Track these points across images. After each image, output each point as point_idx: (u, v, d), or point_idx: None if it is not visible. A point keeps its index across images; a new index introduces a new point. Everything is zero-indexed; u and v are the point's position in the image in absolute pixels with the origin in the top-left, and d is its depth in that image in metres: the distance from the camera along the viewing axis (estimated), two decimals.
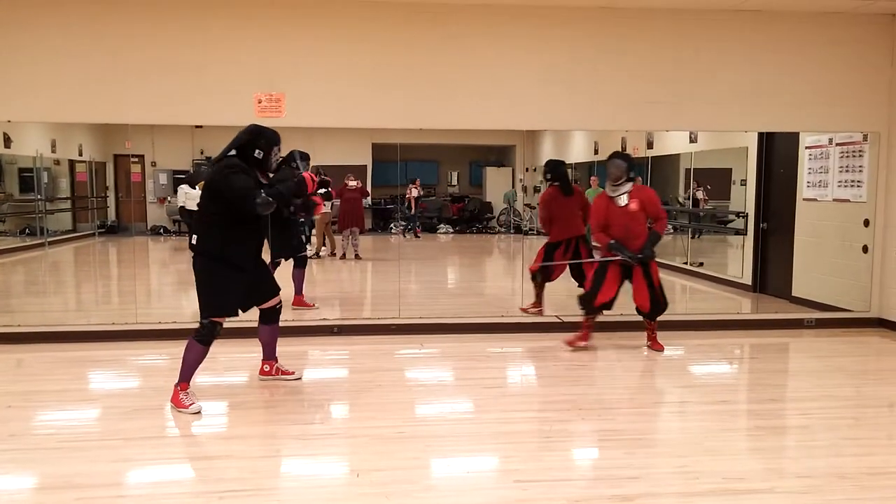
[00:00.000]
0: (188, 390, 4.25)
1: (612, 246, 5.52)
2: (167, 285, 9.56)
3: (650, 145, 8.49)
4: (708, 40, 6.39)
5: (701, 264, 9.29)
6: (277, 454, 3.74)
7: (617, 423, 4.17)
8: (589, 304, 5.64)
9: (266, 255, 4.71)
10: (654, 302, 5.56)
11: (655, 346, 5.73)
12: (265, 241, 4.60)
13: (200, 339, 4.21)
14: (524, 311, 6.90)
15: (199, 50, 5.99)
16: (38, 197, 10.65)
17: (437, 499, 3.15)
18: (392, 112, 6.20)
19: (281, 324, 4.72)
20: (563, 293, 7.34)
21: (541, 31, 6.25)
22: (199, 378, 4.98)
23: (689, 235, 9.60)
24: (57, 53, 5.88)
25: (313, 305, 7.15)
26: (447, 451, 3.72)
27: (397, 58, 6.18)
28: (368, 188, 11.51)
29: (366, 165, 11.63)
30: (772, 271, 7.98)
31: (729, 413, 4.46)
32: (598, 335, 6.18)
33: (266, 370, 4.79)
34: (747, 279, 8.29)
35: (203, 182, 4.50)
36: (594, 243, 6.08)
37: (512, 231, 13.73)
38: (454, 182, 14.72)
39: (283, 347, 4.87)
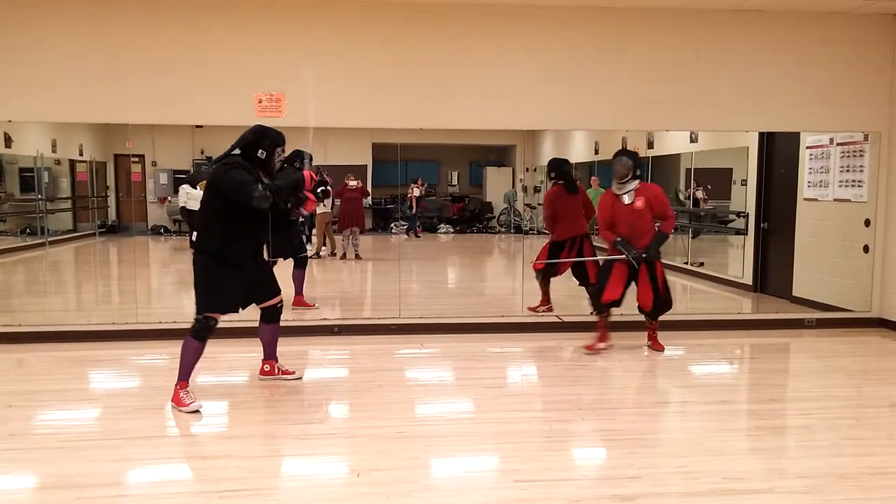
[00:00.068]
0: (188, 389, 4.26)
1: (617, 243, 5.49)
2: (168, 285, 9.56)
3: (650, 145, 8.48)
4: (708, 40, 6.39)
5: (701, 264, 9.28)
6: (277, 454, 3.74)
7: (617, 423, 4.17)
8: (596, 301, 5.60)
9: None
10: (658, 301, 5.53)
11: (656, 346, 5.73)
12: (266, 240, 4.63)
13: (194, 335, 4.25)
14: (533, 310, 6.91)
15: (199, 50, 5.99)
16: (39, 197, 10.65)
17: (437, 498, 3.15)
18: (392, 112, 6.20)
19: (281, 324, 4.72)
20: (564, 293, 7.35)
21: (541, 30, 6.25)
22: (200, 378, 4.99)
23: (690, 235, 9.60)
24: (57, 53, 5.88)
25: (313, 305, 7.15)
26: (447, 451, 3.72)
27: (397, 58, 6.18)
28: (369, 188, 11.50)
29: (366, 165, 11.63)
30: (772, 271, 7.98)
31: (729, 413, 4.46)
32: None
33: (266, 370, 4.79)
34: (748, 279, 8.29)
35: (204, 181, 4.53)
36: (597, 243, 6.08)
37: (512, 231, 13.72)
38: (454, 182, 14.71)
39: (284, 347, 4.87)
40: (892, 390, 4.95)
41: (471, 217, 14.51)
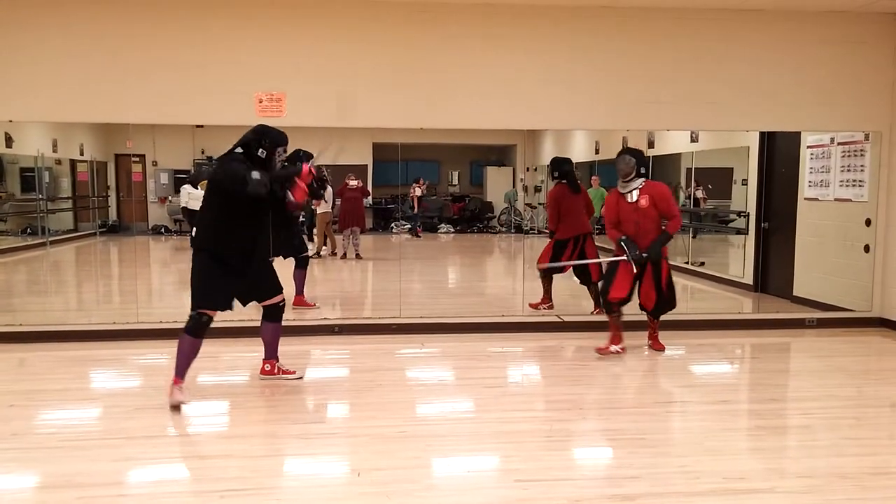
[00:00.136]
0: (180, 385, 4.27)
1: (621, 241, 5.46)
2: (168, 284, 9.57)
3: (651, 145, 8.47)
4: (709, 39, 6.38)
5: (702, 264, 9.28)
6: (278, 453, 3.74)
7: (617, 423, 4.17)
8: (604, 299, 5.56)
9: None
10: (660, 301, 5.50)
11: (656, 345, 5.72)
12: (267, 239, 4.64)
13: (189, 330, 4.28)
14: (534, 307, 6.94)
15: (199, 49, 6.00)
16: (40, 196, 10.66)
17: (437, 498, 3.15)
18: (393, 112, 6.20)
19: (282, 323, 4.73)
20: (565, 293, 7.35)
21: (541, 30, 6.25)
22: (201, 377, 5.00)
23: (691, 235, 9.59)
24: (57, 53, 5.89)
25: (314, 305, 7.15)
26: (448, 451, 3.72)
27: (398, 57, 6.18)
28: (369, 188, 11.51)
29: (366, 165, 11.63)
30: (773, 271, 7.97)
31: (730, 413, 4.46)
32: (599, 335, 6.17)
33: (267, 369, 4.79)
34: (748, 279, 8.28)
35: (205, 181, 4.56)
36: (599, 243, 6.06)
37: (513, 231, 13.72)
38: (455, 182, 14.71)
39: (284, 347, 4.87)
40: (892, 390, 4.95)
41: (471, 217, 14.51)
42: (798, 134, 7.39)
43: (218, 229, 4.30)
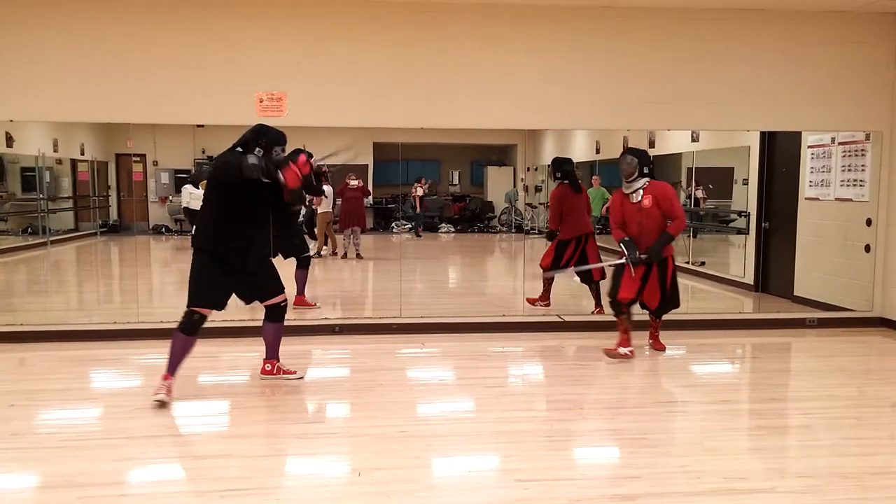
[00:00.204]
0: (168, 381, 4.31)
1: (624, 242, 5.40)
2: (169, 284, 9.56)
3: (652, 144, 8.47)
4: (709, 39, 6.38)
5: (703, 263, 9.28)
6: (279, 453, 3.74)
7: (618, 423, 4.17)
8: (613, 300, 5.46)
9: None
10: (664, 301, 5.47)
11: (657, 345, 5.72)
12: (268, 238, 4.66)
13: (182, 328, 4.32)
14: (531, 302, 6.95)
15: (200, 49, 6.00)
16: (41, 196, 10.67)
17: (438, 498, 3.15)
18: (393, 111, 6.20)
19: (284, 323, 4.73)
20: (566, 293, 7.35)
21: (541, 30, 6.25)
22: (201, 377, 5.00)
23: (691, 234, 9.59)
24: (58, 53, 5.89)
25: (315, 305, 7.16)
26: (448, 451, 3.72)
27: (398, 57, 6.18)
28: (370, 188, 11.51)
29: (367, 165, 11.63)
30: (774, 271, 7.97)
31: (730, 413, 4.46)
32: (600, 335, 6.17)
33: (268, 369, 4.80)
34: (749, 278, 8.28)
35: (205, 180, 4.57)
36: (601, 242, 6.02)
37: (513, 230, 13.72)
38: (455, 181, 14.71)
39: (285, 347, 4.87)
40: (893, 390, 4.95)
41: (472, 216, 14.51)
42: (799, 134, 7.39)
43: (218, 228, 4.33)
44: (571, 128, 8.83)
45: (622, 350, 5.37)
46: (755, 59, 6.42)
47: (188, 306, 4.33)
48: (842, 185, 7.02)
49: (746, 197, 8.37)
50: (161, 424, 4.10)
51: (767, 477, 3.39)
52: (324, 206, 9.91)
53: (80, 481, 3.26)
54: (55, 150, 10.67)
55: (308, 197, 8.95)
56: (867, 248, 6.78)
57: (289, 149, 4.56)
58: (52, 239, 10.86)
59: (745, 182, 8.41)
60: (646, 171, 5.39)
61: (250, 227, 4.39)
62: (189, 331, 4.32)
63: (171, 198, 12.18)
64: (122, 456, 3.55)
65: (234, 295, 4.54)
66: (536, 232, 10.80)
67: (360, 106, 6.18)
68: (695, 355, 5.86)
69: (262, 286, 4.60)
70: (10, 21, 5.84)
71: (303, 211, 8.42)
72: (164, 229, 12.63)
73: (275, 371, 4.79)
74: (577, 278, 6.95)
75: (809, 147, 7.41)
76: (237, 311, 6.23)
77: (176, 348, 4.33)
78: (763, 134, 7.85)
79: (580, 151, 9.94)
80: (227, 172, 4.22)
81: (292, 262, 7.02)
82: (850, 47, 6.48)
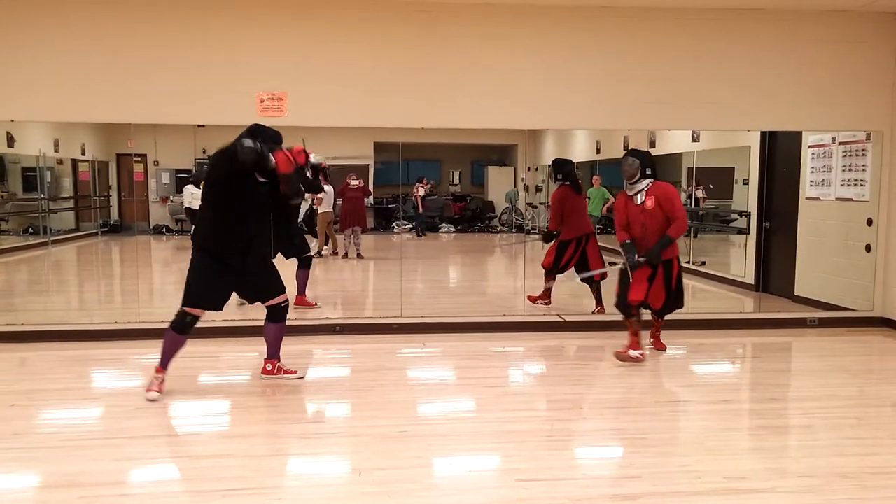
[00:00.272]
0: (159, 376, 4.41)
1: (623, 245, 5.38)
2: (170, 284, 9.56)
3: (652, 144, 8.46)
4: (709, 39, 6.38)
5: (703, 263, 9.28)
6: (280, 453, 3.75)
7: (618, 423, 4.17)
8: (622, 303, 5.42)
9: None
10: (669, 301, 5.44)
11: (658, 345, 5.71)
12: (267, 238, 4.67)
13: (173, 327, 4.38)
14: (531, 300, 6.97)
15: (200, 49, 6.00)
16: (42, 196, 10.67)
17: (438, 498, 3.16)
18: (393, 111, 6.20)
19: (285, 323, 4.74)
20: (566, 292, 7.35)
21: (541, 30, 6.25)
22: (202, 377, 5.01)
23: (692, 234, 9.59)
24: (58, 53, 5.89)
25: (316, 305, 7.16)
26: (449, 450, 3.72)
27: (398, 57, 6.18)
28: (371, 187, 11.50)
29: (368, 165, 11.62)
30: (774, 270, 7.97)
31: (731, 412, 4.46)
32: (601, 334, 6.19)
33: (268, 369, 4.80)
34: (750, 278, 8.27)
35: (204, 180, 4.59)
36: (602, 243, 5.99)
37: (514, 230, 13.71)
38: (456, 181, 14.70)
39: (286, 346, 4.88)
40: (894, 390, 4.95)
41: (472, 216, 14.50)
42: (799, 133, 7.38)
43: (217, 228, 4.34)
44: (571, 128, 8.82)
45: (633, 353, 5.30)
46: (755, 59, 6.42)
47: (182, 306, 4.38)
48: (842, 185, 7.02)
49: (747, 197, 8.37)
50: (162, 424, 4.11)
51: (768, 477, 3.39)
52: (324, 206, 9.90)
53: (81, 481, 3.27)
54: (56, 150, 10.67)
55: (310, 196, 8.95)
56: (868, 248, 6.78)
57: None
58: (53, 239, 10.86)
59: (746, 182, 8.41)
60: (648, 172, 5.35)
61: (249, 226, 4.39)
62: (180, 331, 4.38)
63: (171, 198, 12.18)
64: (122, 456, 3.56)
65: (234, 295, 4.56)
66: (537, 232, 10.79)
67: (360, 106, 6.18)
68: (695, 355, 5.87)
69: (263, 287, 4.61)
70: (10, 21, 5.84)
71: (303, 207, 8.40)
72: (164, 229, 12.62)
73: (275, 371, 4.79)
74: (577, 278, 6.95)
75: (810, 147, 7.41)
76: (237, 310, 6.24)
77: (167, 344, 4.43)
78: (763, 134, 7.85)
79: (581, 151, 9.94)
80: (222, 161, 4.23)
81: (293, 262, 7.02)
82: (850, 47, 6.48)
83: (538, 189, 11.49)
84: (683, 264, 5.67)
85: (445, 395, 4.78)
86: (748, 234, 8.34)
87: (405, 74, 6.19)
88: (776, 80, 6.45)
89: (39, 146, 9.96)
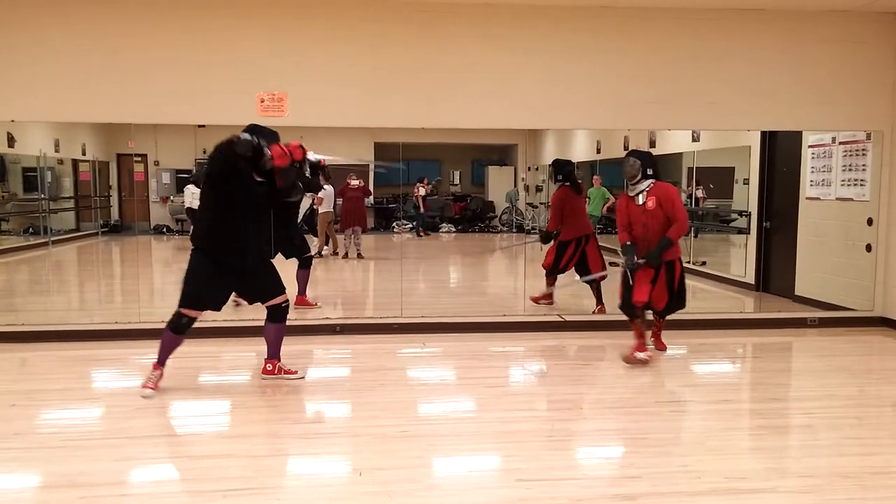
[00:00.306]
0: (155, 373, 4.48)
1: (624, 247, 5.35)
2: (170, 284, 9.55)
3: (652, 144, 8.47)
4: (709, 39, 6.38)
5: (704, 263, 9.28)
6: (280, 453, 3.75)
7: (619, 423, 4.17)
8: (627, 305, 5.38)
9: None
10: (672, 302, 5.41)
11: (659, 345, 5.71)
12: (267, 239, 4.68)
13: (169, 327, 4.43)
14: (534, 300, 6.98)
15: (200, 49, 6.00)
16: (42, 196, 10.68)
17: (439, 498, 3.15)
18: (394, 111, 6.20)
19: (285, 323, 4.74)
20: (566, 292, 7.35)
21: (541, 30, 6.25)
22: (203, 377, 5.01)
23: (692, 234, 9.59)
24: (58, 53, 5.89)
25: (316, 304, 7.16)
26: (449, 450, 3.72)
27: (399, 57, 6.18)
28: (371, 187, 11.50)
29: (368, 165, 11.61)
30: (775, 270, 7.97)
31: (731, 412, 4.46)
32: (601, 334, 6.19)
33: (269, 369, 4.80)
34: (750, 278, 8.27)
35: None
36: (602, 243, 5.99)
37: (514, 230, 13.71)
38: (456, 181, 14.70)
39: (286, 346, 4.88)
40: (894, 389, 4.94)
41: (473, 216, 14.50)
42: (799, 133, 7.38)
43: (214, 228, 4.34)
44: (572, 128, 8.83)
45: (640, 355, 5.27)
46: (755, 59, 6.42)
47: (178, 307, 4.40)
48: (843, 185, 7.02)
49: (747, 196, 8.37)
50: (162, 424, 4.11)
51: (768, 477, 3.39)
52: (325, 206, 9.91)
53: (81, 481, 3.27)
54: (56, 151, 10.68)
55: (311, 196, 8.94)
56: (868, 248, 6.78)
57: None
58: (53, 239, 10.87)
59: (746, 182, 8.41)
60: (650, 172, 5.31)
61: (247, 226, 4.38)
62: (176, 331, 4.43)
63: (172, 198, 12.18)
64: (123, 456, 3.56)
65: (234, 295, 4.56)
66: (537, 232, 10.80)
67: (360, 106, 6.18)
68: (696, 355, 5.86)
69: (262, 287, 4.61)
70: (10, 21, 5.84)
71: (303, 204, 8.38)
72: (165, 229, 12.63)
73: (276, 371, 4.79)
74: (577, 277, 6.95)
75: (810, 147, 7.41)
76: (237, 310, 6.25)
77: (164, 343, 4.48)
78: (764, 134, 7.85)
79: (581, 151, 9.95)
80: (218, 155, 4.22)
81: (293, 262, 7.02)
82: (850, 46, 6.48)
83: (538, 189, 11.49)
84: (684, 264, 5.65)
85: (446, 395, 4.78)
86: (748, 233, 8.35)
87: (405, 74, 6.19)
88: (776, 80, 6.45)
89: (40, 146, 9.96)
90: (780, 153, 7.87)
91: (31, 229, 11.04)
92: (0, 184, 10.92)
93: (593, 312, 6.79)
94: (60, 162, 11.55)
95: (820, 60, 6.47)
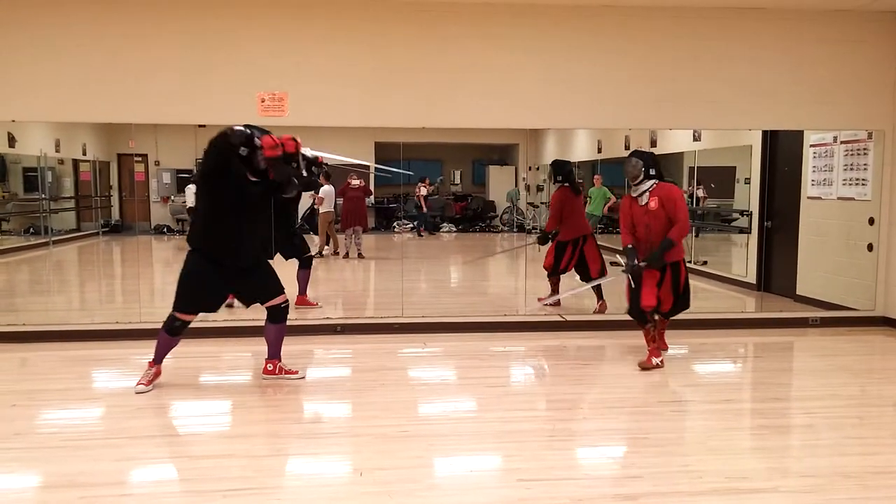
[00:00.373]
0: (151, 370, 4.53)
1: (625, 250, 5.31)
2: (171, 284, 9.51)
3: (654, 143, 8.46)
4: (709, 38, 6.37)
5: (705, 263, 9.27)
6: (280, 453, 3.74)
7: (620, 422, 4.16)
8: (636, 310, 5.33)
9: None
10: (677, 304, 5.37)
11: (661, 344, 5.69)
12: (265, 239, 4.68)
13: (164, 329, 4.47)
14: (542, 301, 6.97)
15: (201, 49, 6.00)
16: (43, 196, 10.68)
17: (440, 497, 3.15)
18: (394, 111, 6.20)
19: (286, 323, 4.73)
20: (567, 292, 7.33)
21: (541, 29, 6.24)
22: (203, 377, 5.01)
23: (693, 234, 9.58)
24: (58, 53, 5.89)
25: (316, 304, 7.16)
26: (450, 450, 3.72)
27: (399, 57, 6.17)
28: (371, 187, 11.50)
29: (369, 164, 11.60)
30: (776, 270, 7.96)
31: (733, 412, 4.45)
32: (602, 334, 6.19)
33: (269, 369, 4.80)
34: (751, 278, 8.26)
35: None
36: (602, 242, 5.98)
37: (515, 230, 13.71)
38: (457, 181, 14.70)
39: (287, 346, 4.88)
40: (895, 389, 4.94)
41: (473, 216, 14.50)
42: (801, 132, 7.37)
43: (209, 228, 4.33)
44: (572, 127, 8.81)
45: (655, 360, 5.24)
46: (755, 58, 6.41)
47: (172, 310, 4.42)
48: (844, 184, 7.01)
49: (748, 196, 8.36)
50: (162, 424, 4.11)
51: (770, 476, 3.39)
52: (325, 206, 9.91)
53: (81, 481, 3.27)
54: (57, 151, 10.68)
55: (311, 196, 8.94)
56: (870, 247, 6.77)
57: None
58: (54, 239, 10.86)
59: (748, 181, 8.40)
60: (652, 172, 5.25)
61: (241, 226, 4.37)
62: (171, 333, 4.46)
63: (172, 198, 12.18)
64: (123, 456, 3.55)
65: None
66: (538, 232, 10.80)
67: (360, 106, 6.18)
68: (697, 354, 5.86)
69: (262, 288, 4.61)
70: (10, 21, 5.84)
71: (303, 204, 8.38)
72: (165, 229, 12.62)
73: (276, 371, 4.79)
74: (577, 277, 6.95)
75: (811, 146, 7.40)
76: (238, 311, 6.24)
77: (160, 343, 4.53)
78: (765, 133, 7.84)
79: (582, 151, 9.94)
80: (212, 150, 4.21)
81: (293, 262, 7.02)
82: (850, 46, 6.47)
83: (539, 188, 11.48)
84: (685, 263, 5.62)
85: (446, 394, 4.77)
86: (750, 233, 8.34)
87: (405, 74, 6.18)
88: (777, 80, 6.44)
89: (40, 146, 9.96)
90: (782, 152, 7.87)
91: (31, 229, 11.04)
92: (1, 184, 10.92)
93: (594, 312, 6.79)
94: (61, 162, 11.55)
95: (820, 60, 6.46)
